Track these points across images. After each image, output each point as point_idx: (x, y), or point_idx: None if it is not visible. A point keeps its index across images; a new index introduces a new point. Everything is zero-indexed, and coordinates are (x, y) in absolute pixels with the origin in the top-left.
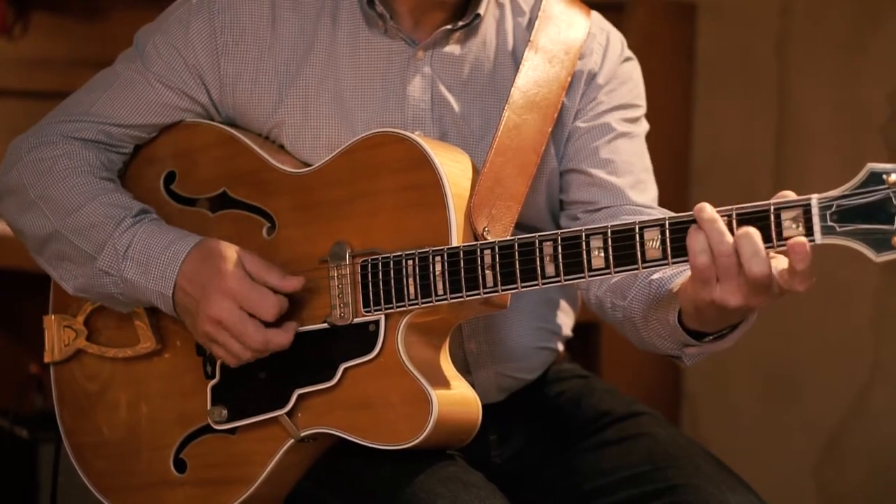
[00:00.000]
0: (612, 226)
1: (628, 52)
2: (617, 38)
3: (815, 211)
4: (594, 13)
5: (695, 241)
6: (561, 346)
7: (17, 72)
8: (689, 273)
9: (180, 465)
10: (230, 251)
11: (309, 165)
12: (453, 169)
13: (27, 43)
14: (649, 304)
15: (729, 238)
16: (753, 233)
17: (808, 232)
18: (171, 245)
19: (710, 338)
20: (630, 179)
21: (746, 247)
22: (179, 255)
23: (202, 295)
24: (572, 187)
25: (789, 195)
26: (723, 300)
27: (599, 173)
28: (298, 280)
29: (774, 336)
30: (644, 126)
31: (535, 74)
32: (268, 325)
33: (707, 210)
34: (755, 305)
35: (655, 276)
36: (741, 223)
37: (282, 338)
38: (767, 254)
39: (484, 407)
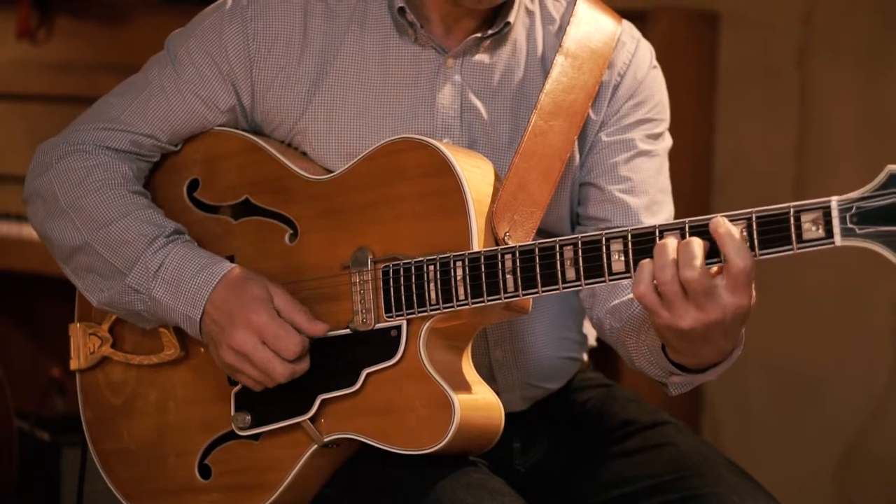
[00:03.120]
0: (632, 229)
1: (655, 63)
2: (646, 49)
3: (834, 213)
4: (625, 22)
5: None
6: (585, 355)
7: (40, 76)
8: None
9: (205, 472)
10: (261, 284)
11: (331, 172)
12: (474, 174)
13: (51, 47)
14: (639, 329)
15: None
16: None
17: (828, 234)
18: (204, 270)
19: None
20: (645, 200)
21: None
22: (211, 280)
23: (228, 323)
24: (587, 203)
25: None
26: (673, 323)
27: (615, 191)
28: (325, 326)
29: (794, 343)
30: (666, 142)
31: (564, 81)
32: None
33: (665, 245)
34: (710, 321)
35: None
36: (761, 225)
37: (305, 365)
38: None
39: (508, 415)
